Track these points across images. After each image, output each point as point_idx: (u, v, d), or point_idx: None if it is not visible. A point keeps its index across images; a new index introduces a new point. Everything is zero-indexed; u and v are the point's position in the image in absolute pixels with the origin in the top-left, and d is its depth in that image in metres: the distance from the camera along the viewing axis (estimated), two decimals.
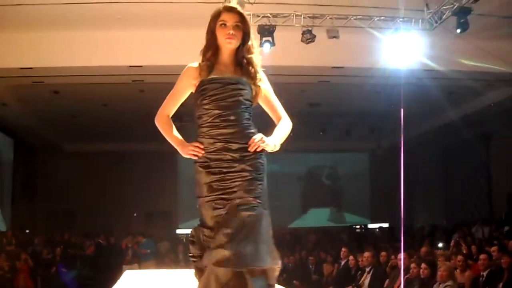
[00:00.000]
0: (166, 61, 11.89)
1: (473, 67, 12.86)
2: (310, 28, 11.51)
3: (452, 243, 12.94)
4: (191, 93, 3.88)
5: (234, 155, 3.67)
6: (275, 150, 3.77)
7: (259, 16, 11.21)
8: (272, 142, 3.73)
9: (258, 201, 3.63)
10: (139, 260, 16.26)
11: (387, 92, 14.05)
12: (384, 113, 16.03)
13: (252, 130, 3.76)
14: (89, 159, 22.13)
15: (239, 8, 3.78)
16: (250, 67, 3.84)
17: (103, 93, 15.67)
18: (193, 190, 3.83)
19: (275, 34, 11.38)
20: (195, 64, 3.85)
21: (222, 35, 3.77)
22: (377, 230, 23.98)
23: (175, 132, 3.90)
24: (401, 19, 11.42)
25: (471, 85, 14.31)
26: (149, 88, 14.63)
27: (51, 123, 19.28)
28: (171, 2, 11.03)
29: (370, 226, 24.97)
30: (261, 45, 11.23)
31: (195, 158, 3.76)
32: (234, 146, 3.68)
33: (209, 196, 3.67)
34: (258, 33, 11.14)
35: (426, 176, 22.09)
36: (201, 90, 3.76)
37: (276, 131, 3.87)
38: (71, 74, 13.07)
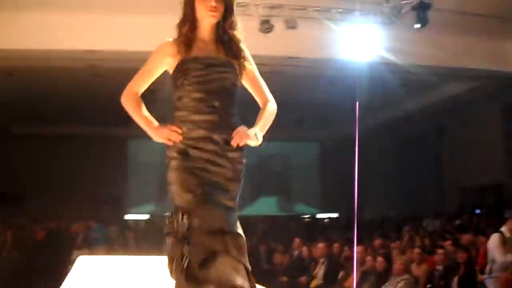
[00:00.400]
0: (120, 46, 11.69)
1: (430, 61, 12.93)
2: (268, 18, 11.41)
3: (406, 236, 12.98)
4: (166, 71, 3.53)
5: (216, 147, 3.36)
6: (258, 144, 3.49)
7: None
8: (255, 135, 3.42)
9: (233, 203, 3.42)
10: (89, 246, 16.00)
11: (343, 84, 14.02)
12: (339, 104, 16.03)
13: (236, 120, 3.45)
14: (39, 142, 21.67)
15: None
16: (233, 45, 3.49)
17: (56, 76, 15.33)
18: (165, 177, 3.40)
19: None
20: (170, 40, 3.47)
21: (203, 7, 3.38)
22: (326, 220, 24.01)
23: (145, 112, 3.47)
24: (359, 12, 11.37)
25: (427, 78, 14.39)
26: (101, 73, 14.42)
27: (1, 105, 18.84)
28: None
29: (319, 216, 24.96)
30: None
31: (170, 143, 3.38)
32: (217, 137, 3.36)
33: (187, 180, 3.30)
34: None
35: (379, 167, 22.21)
36: (182, 69, 3.39)
37: (261, 119, 3.54)
38: (25, 57, 12.72)
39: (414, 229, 14.15)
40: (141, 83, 3.53)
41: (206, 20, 3.43)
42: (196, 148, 3.34)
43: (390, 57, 12.04)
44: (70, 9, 11.38)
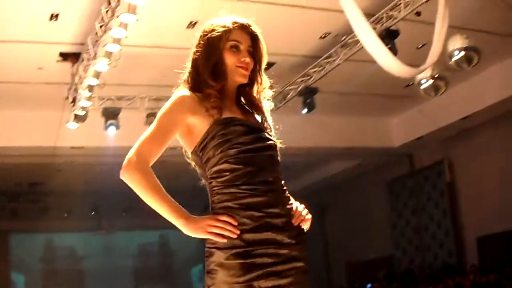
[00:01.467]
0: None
1: (315, 142, 13.22)
2: (155, 111, 11.24)
3: None
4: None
5: (281, 236, 2.49)
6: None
7: (103, 99, 10.79)
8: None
9: None
10: None
11: None
12: None
13: (291, 197, 2.67)
14: None
15: (254, 26, 2.69)
16: (264, 111, 2.78)
17: None
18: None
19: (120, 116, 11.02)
20: (188, 93, 2.60)
21: (234, 62, 2.63)
22: None
23: (166, 193, 2.49)
24: None
25: (307, 160, 14.58)
26: None
27: None
28: (16, 83, 10.54)
29: None
30: (105, 128, 10.86)
31: (222, 240, 2.44)
32: (278, 221, 2.50)
33: None
34: (103, 116, 10.78)
35: None
36: (220, 134, 2.51)
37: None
38: None
39: None
40: (155, 149, 2.52)
41: (236, 79, 2.68)
42: (257, 244, 2.44)
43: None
44: None
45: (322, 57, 10.38)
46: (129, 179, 2.45)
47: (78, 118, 10.26)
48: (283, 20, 9.32)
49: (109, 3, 7.50)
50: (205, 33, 2.66)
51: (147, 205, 2.51)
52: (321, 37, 10.14)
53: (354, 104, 12.75)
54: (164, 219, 2.49)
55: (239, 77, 2.66)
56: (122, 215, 19.17)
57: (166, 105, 2.56)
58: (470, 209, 13.94)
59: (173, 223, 2.46)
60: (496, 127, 13.08)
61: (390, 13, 8.75)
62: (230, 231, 2.41)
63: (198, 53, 2.67)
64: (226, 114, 2.57)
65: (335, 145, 13.55)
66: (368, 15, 8.87)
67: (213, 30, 2.64)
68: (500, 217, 12.78)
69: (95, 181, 15.96)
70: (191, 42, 2.72)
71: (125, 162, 2.46)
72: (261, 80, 2.75)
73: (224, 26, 2.63)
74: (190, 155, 2.66)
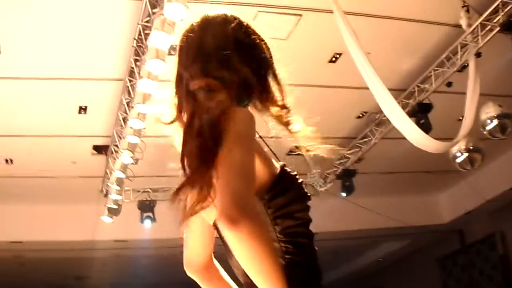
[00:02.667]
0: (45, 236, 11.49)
1: (360, 225, 12.87)
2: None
3: None
4: None
5: None
6: None
7: (139, 191, 10.71)
8: None
9: None
10: None
11: None
12: None
13: None
14: None
15: None
16: None
17: None
18: None
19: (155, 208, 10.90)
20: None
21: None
22: None
23: None
24: None
25: (357, 242, 14.18)
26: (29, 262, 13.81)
27: None
28: (51, 177, 10.56)
29: None
30: (142, 221, 10.73)
31: None
32: None
33: None
34: (138, 208, 10.68)
35: None
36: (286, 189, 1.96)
37: None
38: None
39: None
40: (254, 184, 1.77)
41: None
42: None
43: (315, 228, 11.76)
44: None
45: (358, 137, 10.11)
46: (248, 231, 1.61)
47: (111, 212, 10.13)
48: (321, 102, 9.16)
49: (129, 93, 7.42)
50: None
51: None
52: (358, 117, 9.92)
53: (398, 183, 12.41)
54: None
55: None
56: None
57: (239, 125, 1.81)
58: None
59: None
60: None
61: (422, 86, 8.54)
62: None
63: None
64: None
65: (382, 226, 13.08)
66: (400, 90, 8.66)
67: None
68: None
69: (143, 274, 15.74)
70: None
71: (232, 209, 1.62)
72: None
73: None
74: None
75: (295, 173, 2.01)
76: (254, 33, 2.07)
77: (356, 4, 7.10)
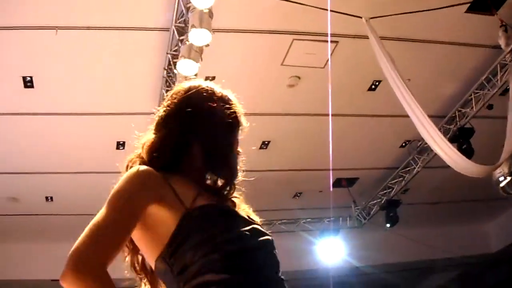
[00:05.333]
0: None
1: (407, 257, 12.54)
2: None
3: None
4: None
5: None
6: None
7: None
8: None
9: None
10: None
11: None
12: None
13: None
14: None
15: None
16: None
17: None
18: None
19: None
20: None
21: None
22: None
23: None
24: (328, 220, 11.05)
25: (405, 275, 13.84)
26: None
27: None
28: (92, 215, 10.33)
29: None
30: None
31: None
32: None
33: None
34: None
35: None
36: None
37: None
38: None
39: None
40: (112, 247, 1.72)
41: None
42: None
43: (361, 261, 11.62)
44: (36, 238, 11.25)
45: (401, 167, 9.88)
46: (71, 285, 1.61)
47: None
48: (364, 132, 8.98)
49: None
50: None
51: None
52: (401, 146, 9.71)
53: (443, 213, 12.03)
54: None
55: None
56: None
57: (119, 184, 1.86)
58: None
59: None
60: None
61: (463, 111, 8.35)
62: None
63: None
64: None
65: (425, 257, 12.73)
66: (441, 117, 8.43)
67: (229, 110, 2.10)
68: None
69: None
70: None
71: (66, 262, 1.65)
72: None
73: (238, 113, 2.13)
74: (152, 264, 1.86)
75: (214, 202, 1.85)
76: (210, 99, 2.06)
77: (392, 29, 6.98)
